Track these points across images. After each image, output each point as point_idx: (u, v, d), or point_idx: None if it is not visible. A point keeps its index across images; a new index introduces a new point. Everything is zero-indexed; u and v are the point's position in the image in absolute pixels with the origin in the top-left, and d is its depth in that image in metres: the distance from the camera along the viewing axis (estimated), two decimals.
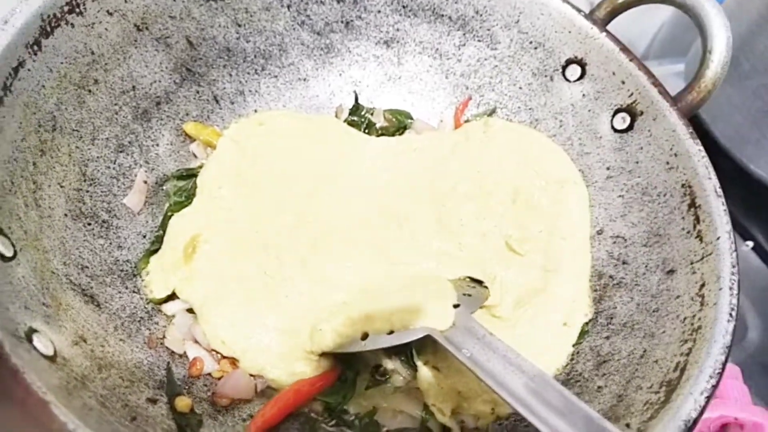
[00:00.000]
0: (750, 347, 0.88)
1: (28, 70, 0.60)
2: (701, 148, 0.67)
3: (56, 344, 0.54)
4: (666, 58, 1.35)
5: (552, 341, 0.69)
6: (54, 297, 0.59)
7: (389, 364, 0.67)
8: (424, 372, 0.65)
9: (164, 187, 0.76)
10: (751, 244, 0.98)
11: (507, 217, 0.75)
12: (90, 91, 0.69)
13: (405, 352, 0.67)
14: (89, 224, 0.67)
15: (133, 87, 0.73)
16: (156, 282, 0.68)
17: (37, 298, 0.55)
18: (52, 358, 0.52)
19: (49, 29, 0.62)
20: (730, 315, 0.56)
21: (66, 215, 0.65)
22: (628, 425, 0.55)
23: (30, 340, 0.50)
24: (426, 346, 0.66)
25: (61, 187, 0.65)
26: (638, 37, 1.43)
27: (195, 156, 0.79)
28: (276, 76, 0.86)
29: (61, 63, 0.64)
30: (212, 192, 0.73)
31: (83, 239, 0.66)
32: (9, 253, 0.54)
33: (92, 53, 0.68)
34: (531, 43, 0.82)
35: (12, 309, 0.51)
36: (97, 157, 0.70)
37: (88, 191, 0.68)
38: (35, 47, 0.61)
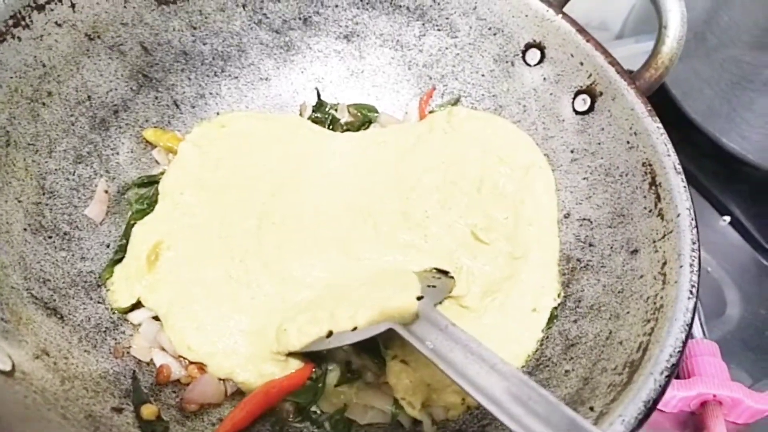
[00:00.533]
0: (729, 323, 0.87)
1: None
2: (660, 125, 0.66)
3: (15, 359, 0.54)
4: (642, 35, 1.34)
5: (521, 328, 0.68)
6: (14, 312, 0.58)
7: (358, 360, 0.67)
8: (393, 366, 0.65)
9: (126, 196, 0.75)
10: (728, 218, 0.97)
11: (472, 207, 0.74)
12: (44, 103, 0.68)
13: (373, 347, 0.67)
14: (50, 237, 0.67)
15: (89, 97, 0.73)
16: (120, 291, 0.68)
17: None
18: (9, 373, 0.52)
19: None
20: (690, 292, 0.55)
21: (25, 230, 0.65)
22: (592, 408, 0.54)
23: None
24: (393, 341, 0.66)
25: (19, 201, 0.65)
26: (613, 15, 1.41)
27: (157, 162, 0.79)
28: (237, 78, 0.85)
29: (11, 77, 0.64)
30: (174, 198, 0.73)
31: (44, 253, 0.66)
32: None
33: (43, 65, 0.67)
34: (490, 29, 0.81)
35: None
36: (55, 169, 0.70)
37: (47, 204, 0.68)
38: None
